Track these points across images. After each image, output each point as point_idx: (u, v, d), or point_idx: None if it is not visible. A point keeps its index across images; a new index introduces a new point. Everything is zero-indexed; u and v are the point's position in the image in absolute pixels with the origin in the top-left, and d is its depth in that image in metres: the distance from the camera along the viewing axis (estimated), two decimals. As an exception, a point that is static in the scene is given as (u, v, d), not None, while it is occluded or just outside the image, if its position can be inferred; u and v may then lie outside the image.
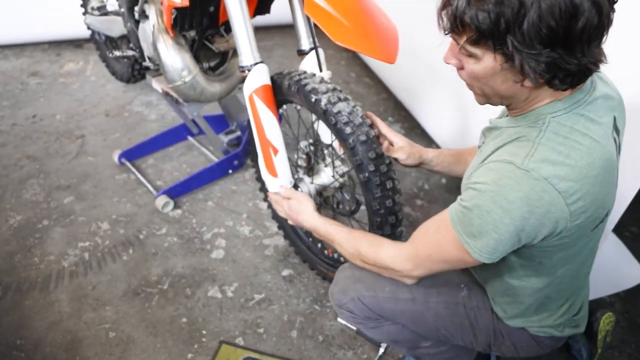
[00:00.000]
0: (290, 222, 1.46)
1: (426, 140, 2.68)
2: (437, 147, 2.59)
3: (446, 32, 0.91)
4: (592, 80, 0.96)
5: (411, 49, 2.57)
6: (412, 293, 1.19)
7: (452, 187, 2.39)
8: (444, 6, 0.89)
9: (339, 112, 1.37)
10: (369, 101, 3.07)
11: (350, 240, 1.22)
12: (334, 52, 3.50)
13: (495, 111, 2.02)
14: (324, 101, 1.39)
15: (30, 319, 1.75)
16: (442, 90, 2.41)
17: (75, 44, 3.72)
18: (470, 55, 0.90)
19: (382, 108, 3.00)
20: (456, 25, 0.87)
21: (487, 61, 0.88)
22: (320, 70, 1.61)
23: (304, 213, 1.37)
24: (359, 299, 1.22)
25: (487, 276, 1.16)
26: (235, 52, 2.00)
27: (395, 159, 1.42)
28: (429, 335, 1.23)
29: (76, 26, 3.35)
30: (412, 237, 1.10)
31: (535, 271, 1.03)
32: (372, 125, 1.41)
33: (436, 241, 1.01)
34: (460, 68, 0.95)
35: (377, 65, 3.17)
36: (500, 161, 0.91)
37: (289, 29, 4.06)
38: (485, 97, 0.98)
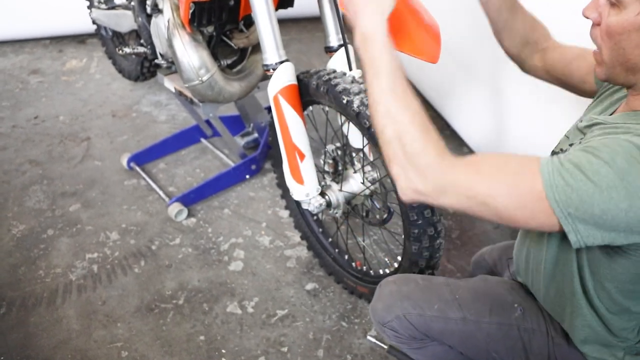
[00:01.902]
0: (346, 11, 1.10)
1: (457, 142, 2.66)
2: (469, 149, 2.57)
3: None
4: None
5: (445, 46, 2.56)
6: (463, 312, 1.17)
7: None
8: None
9: (374, 114, 1.35)
10: (394, 99, 3.05)
11: (403, 99, 0.98)
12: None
13: (537, 117, 1.98)
14: (356, 103, 1.38)
15: (36, 337, 1.76)
16: (474, 88, 2.38)
17: (79, 39, 3.75)
18: (615, 3, 0.87)
19: (409, 107, 2.98)
20: None
21: (630, 12, 0.86)
22: (350, 69, 1.60)
23: (369, 10, 1.03)
24: (405, 317, 1.20)
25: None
26: (254, 49, 1.99)
27: None
28: (478, 358, 1.21)
29: (79, 20, 3.40)
30: (475, 161, 0.95)
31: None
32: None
33: (510, 184, 0.89)
34: (597, 24, 0.92)
35: (403, 60, 3.16)
36: (632, 142, 0.85)
37: (305, 22, 4.10)
38: (609, 67, 0.94)
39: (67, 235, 2.15)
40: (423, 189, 0.94)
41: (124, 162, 2.46)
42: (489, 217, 0.92)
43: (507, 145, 2.16)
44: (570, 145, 1.07)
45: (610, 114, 1.04)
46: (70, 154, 2.63)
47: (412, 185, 0.95)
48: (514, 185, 0.89)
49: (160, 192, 2.32)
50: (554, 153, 1.13)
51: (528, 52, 1.33)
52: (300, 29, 3.75)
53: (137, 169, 2.45)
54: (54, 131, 2.81)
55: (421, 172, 0.94)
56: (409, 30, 1.21)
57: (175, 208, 2.17)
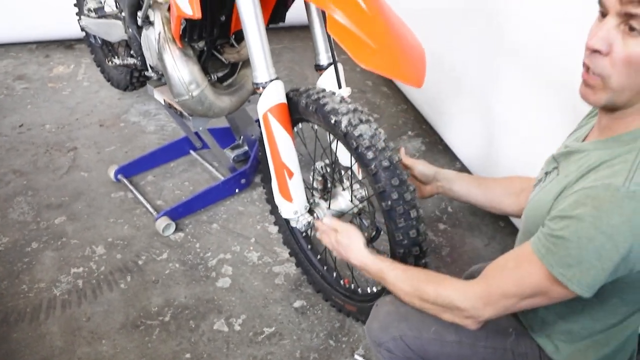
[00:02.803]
0: (335, 254, 1.50)
1: (449, 156, 2.72)
2: (461, 164, 2.64)
3: (625, 1, 0.90)
4: None
5: (436, 58, 2.62)
6: (460, 336, 1.22)
7: (477, 209, 2.42)
8: None
9: (361, 135, 1.41)
10: (387, 113, 3.12)
11: (408, 278, 1.25)
12: (348, 57, 3.56)
13: (525, 131, 2.05)
14: (344, 123, 1.44)
15: (19, 353, 1.79)
16: (467, 102, 2.45)
17: (66, 44, 3.81)
18: (637, 28, 0.90)
19: (401, 121, 3.05)
20: None
21: None
22: (340, 87, 1.66)
23: (353, 249, 1.41)
24: (402, 338, 1.25)
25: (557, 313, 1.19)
26: (245, 64, 2.05)
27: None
28: None
29: (66, 25, 3.45)
30: (484, 274, 1.12)
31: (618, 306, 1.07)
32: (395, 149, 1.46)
33: (516, 277, 1.04)
34: (606, 54, 0.95)
35: (427, 101, 3.24)
36: (596, 186, 0.94)
37: (298, 30, 4.17)
38: (617, 93, 0.97)
39: (52, 248, 2.19)
40: (470, 316, 1.13)
41: (112, 174, 2.51)
42: (526, 307, 1.08)
43: (498, 162, 2.23)
44: (546, 173, 1.16)
45: (583, 140, 1.11)
46: (56, 164, 2.68)
47: (464, 321, 1.15)
48: (518, 279, 1.04)
49: (148, 206, 2.36)
50: (537, 182, 1.20)
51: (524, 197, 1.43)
52: (293, 37, 3.81)
53: (125, 181, 2.50)
54: (39, 140, 2.86)
55: (458, 312, 1.14)
56: (395, 56, 1.27)
57: (162, 222, 2.22)
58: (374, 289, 1.74)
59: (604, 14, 0.95)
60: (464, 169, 2.60)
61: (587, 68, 0.98)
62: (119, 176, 2.51)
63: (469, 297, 1.11)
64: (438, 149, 2.81)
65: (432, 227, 2.34)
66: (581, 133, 1.17)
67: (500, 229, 2.31)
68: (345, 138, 1.45)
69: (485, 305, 1.09)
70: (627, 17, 0.91)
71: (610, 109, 1.01)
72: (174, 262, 2.12)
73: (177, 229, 2.26)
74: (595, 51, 0.95)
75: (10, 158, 2.73)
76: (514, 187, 1.50)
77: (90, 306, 1.95)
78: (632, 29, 0.91)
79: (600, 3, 0.95)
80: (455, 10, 2.39)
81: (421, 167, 1.61)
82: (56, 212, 2.38)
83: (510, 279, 1.05)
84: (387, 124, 3.02)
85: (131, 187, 2.47)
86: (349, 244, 1.42)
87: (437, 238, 2.29)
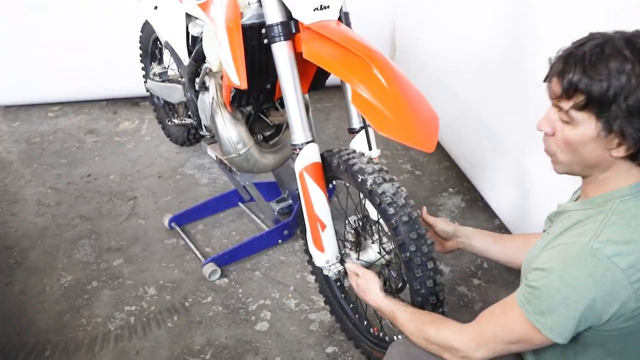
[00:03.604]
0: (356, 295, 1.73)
1: (488, 214, 2.87)
2: (500, 221, 2.78)
3: (554, 97, 1.16)
4: None
5: (476, 118, 2.83)
6: None
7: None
8: (560, 73, 1.13)
9: (383, 192, 1.63)
10: (429, 169, 3.31)
11: (414, 319, 1.44)
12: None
13: (560, 191, 2.21)
14: (369, 181, 1.66)
15: (76, 380, 2.06)
16: (505, 160, 2.62)
17: (132, 101, 4.25)
18: (569, 121, 1.13)
19: (443, 177, 3.23)
20: (570, 91, 1.10)
21: (586, 128, 1.11)
22: (370, 149, 1.89)
23: (370, 292, 1.64)
24: None
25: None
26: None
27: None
28: None
29: (133, 84, 3.89)
30: (477, 318, 1.30)
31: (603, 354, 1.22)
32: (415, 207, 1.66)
33: (503, 322, 1.22)
34: (552, 135, 1.20)
35: (441, 132, 3.44)
36: (567, 243, 1.14)
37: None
38: (567, 166, 1.20)
39: (109, 287, 2.48)
40: (464, 357, 1.29)
41: (166, 222, 2.81)
42: (516, 351, 1.26)
43: (535, 220, 2.36)
44: (544, 231, 1.34)
45: (576, 199, 1.29)
46: (118, 211, 3.01)
47: None
48: (503, 324, 1.22)
49: (197, 252, 2.63)
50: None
51: None
52: (342, 96, 4.09)
53: (178, 229, 2.79)
54: (104, 189, 3.22)
55: (455, 352, 1.30)
56: (409, 124, 1.50)
57: (209, 268, 2.47)
58: (399, 336, 1.91)
59: None
60: (502, 226, 2.75)
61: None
62: (173, 224, 2.80)
63: (463, 338, 1.28)
64: (478, 206, 2.97)
65: (467, 282, 2.48)
66: (578, 194, 1.36)
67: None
68: (370, 195, 1.67)
69: (478, 346, 1.26)
70: (558, 108, 1.15)
71: (579, 175, 1.21)
72: (218, 305, 2.36)
73: (222, 275, 2.51)
74: (546, 133, 1.19)
75: (78, 204, 3.08)
76: (529, 243, 1.66)
77: (140, 341, 2.20)
78: (565, 121, 1.14)
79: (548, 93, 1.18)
80: (492, 66, 2.58)
81: (442, 224, 1.81)
82: (115, 255, 2.68)
83: (498, 324, 1.23)
84: (429, 180, 3.21)
85: (183, 235, 2.75)
86: (367, 288, 1.65)
87: (470, 293, 2.43)
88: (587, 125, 1.12)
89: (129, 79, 3.92)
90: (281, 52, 1.76)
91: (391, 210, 1.61)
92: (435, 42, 3.28)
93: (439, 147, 3.51)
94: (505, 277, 2.50)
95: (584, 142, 1.14)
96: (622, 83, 1.05)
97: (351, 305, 2.18)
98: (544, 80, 1.19)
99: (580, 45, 1.11)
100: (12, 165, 3.50)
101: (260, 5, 1.79)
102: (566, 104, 1.13)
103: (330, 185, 2.00)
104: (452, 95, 3.05)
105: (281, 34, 1.75)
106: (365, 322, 2.09)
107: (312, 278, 2.47)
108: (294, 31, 1.77)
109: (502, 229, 2.74)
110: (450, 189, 3.13)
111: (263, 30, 1.83)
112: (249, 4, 1.89)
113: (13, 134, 3.90)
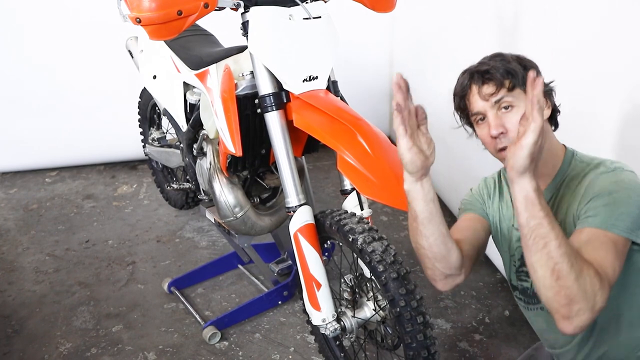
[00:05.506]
0: None
1: (491, 268, 3.05)
2: (501, 275, 2.95)
3: (488, 97, 1.49)
4: None
5: (473, 173, 3.05)
6: None
7: (515, 319, 2.71)
8: (485, 74, 1.50)
9: (373, 251, 1.84)
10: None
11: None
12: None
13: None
14: (360, 241, 1.87)
15: None
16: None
17: (130, 165, 4.52)
18: (510, 105, 1.48)
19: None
20: (501, 80, 1.47)
21: (522, 101, 1.46)
22: (362, 209, 2.11)
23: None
24: None
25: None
26: (285, 187, 2.56)
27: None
28: None
29: (131, 148, 4.17)
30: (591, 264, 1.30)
31: None
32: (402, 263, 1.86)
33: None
34: (506, 131, 1.48)
35: (439, 185, 3.65)
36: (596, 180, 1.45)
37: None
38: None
39: (109, 354, 2.65)
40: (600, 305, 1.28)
41: (165, 286, 3.00)
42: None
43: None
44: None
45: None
46: (116, 277, 3.21)
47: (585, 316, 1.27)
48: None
49: (197, 316, 2.82)
50: None
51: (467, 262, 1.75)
52: (342, 154, 4.37)
53: (177, 293, 2.98)
54: (102, 255, 3.43)
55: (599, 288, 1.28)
56: (391, 187, 1.72)
57: (209, 331, 2.65)
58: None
59: (482, 117, 1.53)
60: (503, 279, 2.93)
61: (501, 149, 1.51)
62: (172, 288, 2.99)
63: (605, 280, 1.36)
64: (480, 261, 3.15)
65: (468, 338, 2.64)
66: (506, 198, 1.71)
67: (537, 339, 2.58)
68: (361, 253, 1.88)
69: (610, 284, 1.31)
70: (498, 103, 1.49)
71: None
72: (218, 368, 2.53)
73: (222, 338, 2.68)
74: (501, 133, 1.49)
75: (76, 271, 3.29)
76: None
77: (141, 407, 2.37)
78: (506, 107, 1.49)
79: (474, 114, 1.55)
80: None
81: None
82: (114, 321, 2.86)
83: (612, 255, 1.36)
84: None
85: (182, 299, 2.94)
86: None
87: (472, 349, 2.58)
88: (522, 98, 1.46)
89: (127, 142, 4.21)
90: (273, 121, 2.01)
91: (380, 268, 1.81)
92: (434, 77, 3.48)
93: (440, 202, 3.71)
94: (507, 332, 2.66)
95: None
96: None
97: (350, 365, 2.34)
98: (461, 101, 1.57)
99: (481, 63, 1.55)
100: (9, 233, 3.73)
101: (254, 77, 2.06)
102: (501, 94, 1.48)
103: (326, 245, 2.21)
104: (449, 143, 3.24)
105: (273, 104, 2.00)
106: (365, 381, 2.26)
107: (312, 338, 2.64)
108: (285, 101, 2.03)
109: (504, 282, 2.91)
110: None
111: (256, 100, 2.09)
112: (243, 75, 2.16)
113: (10, 201, 4.15)
